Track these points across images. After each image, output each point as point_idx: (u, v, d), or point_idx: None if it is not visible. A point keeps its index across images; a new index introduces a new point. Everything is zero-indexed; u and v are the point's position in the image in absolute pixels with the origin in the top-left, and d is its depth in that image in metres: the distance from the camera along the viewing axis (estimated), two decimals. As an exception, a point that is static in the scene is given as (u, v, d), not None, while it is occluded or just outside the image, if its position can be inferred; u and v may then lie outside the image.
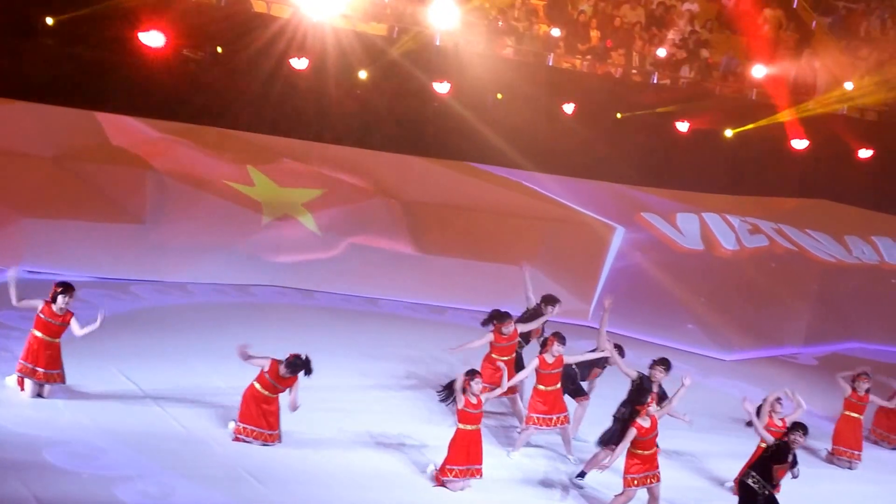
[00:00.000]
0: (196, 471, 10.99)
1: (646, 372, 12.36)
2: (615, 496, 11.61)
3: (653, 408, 11.36)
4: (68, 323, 12.10)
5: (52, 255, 16.48)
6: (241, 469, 11.16)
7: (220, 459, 11.35)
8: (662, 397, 12.05)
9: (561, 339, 12.74)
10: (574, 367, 13.08)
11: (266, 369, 11.81)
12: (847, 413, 14.61)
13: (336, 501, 10.98)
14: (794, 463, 11.12)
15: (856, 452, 14.51)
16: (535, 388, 12.77)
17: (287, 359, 11.79)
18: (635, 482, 11.40)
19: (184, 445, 11.52)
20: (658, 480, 11.52)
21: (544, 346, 12.79)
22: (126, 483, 10.49)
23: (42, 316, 12.04)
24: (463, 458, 11.53)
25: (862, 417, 14.63)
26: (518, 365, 13.45)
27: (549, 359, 12.64)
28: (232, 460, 11.34)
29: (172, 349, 14.23)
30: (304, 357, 11.79)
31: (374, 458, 12.06)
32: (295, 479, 11.24)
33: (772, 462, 11.07)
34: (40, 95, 17.09)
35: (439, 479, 11.58)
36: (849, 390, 14.63)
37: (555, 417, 12.70)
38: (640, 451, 11.34)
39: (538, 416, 12.67)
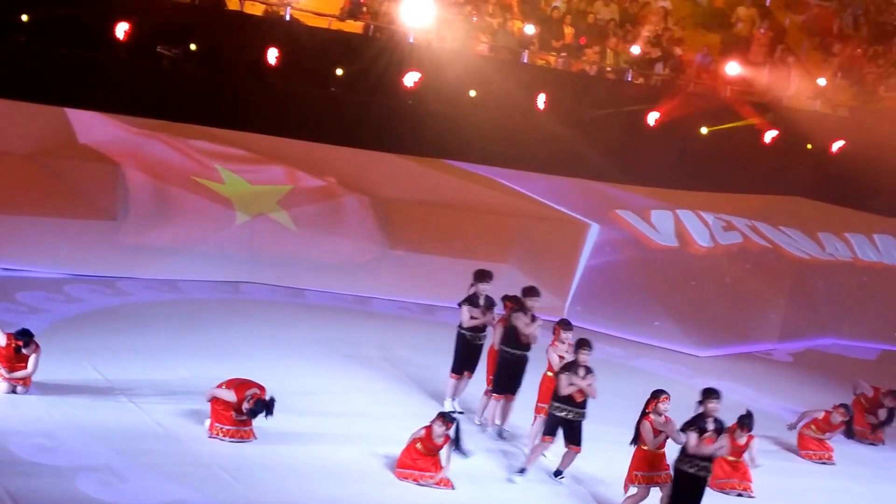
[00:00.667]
0: (171, 467, 11.00)
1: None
2: (626, 498, 11.57)
3: (664, 405, 11.36)
4: (30, 355, 12.04)
5: (24, 251, 16.37)
6: (216, 466, 11.18)
7: (195, 456, 11.37)
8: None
9: (566, 325, 12.84)
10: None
11: (234, 402, 11.78)
12: (811, 427, 14.65)
13: (310, 497, 11.02)
14: (720, 429, 10.97)
15: (825, 453, 14.62)
16: (544, 376, 12.80)
17: (250, 406, 11.72)
18: (638, 479, 11.38)
19: (158, 442, 11.54)
20: (665, 481, 11.39)
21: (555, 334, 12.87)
22: (100, 480, 10.48)
23: (2, 354, 12.00)
24: (410, 464, 11.60)
25: (824, 437, 14.67)
26: (472, 356, 13.47)
27: (561, 347, 12.72)
28: (206, 457, 11.36)
29: (146, 346, 14.20)
30: (267, 399, 11.76)
31: (347, 454, 12.07)
32: (269, 475, 11.26)
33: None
34: (13, 92, 16.94)
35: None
36: (821, 414, 14.64)
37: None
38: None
39: (542, 404, 12.72)
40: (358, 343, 15.92)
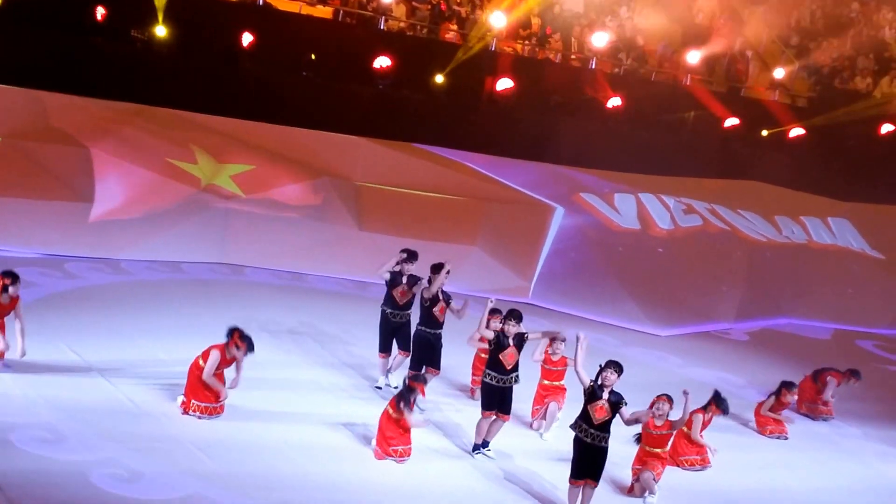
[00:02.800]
0: (143, 443, 11.12)
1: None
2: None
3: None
4: (15, 306, 12.18)
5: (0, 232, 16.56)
6: (189, 443, 11.32)
7: (167, 432, 11.51)
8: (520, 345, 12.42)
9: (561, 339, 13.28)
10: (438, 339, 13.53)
11: (218, 360, 11.99)
12: (769, 411, 15.02)
13: (281, 473, 11.19)
14: (615, 400, 11.14)
15: (781, 427, 14.98)
16: (539, 384, 13.49)
17: (241, 346, 11.95)
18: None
19: (133, 420, 11.66)
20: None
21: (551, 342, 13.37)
22: (76, 457, 10.60)
23: None
24: (386, 439, 11.83)
25: (780, 417, 15.04)
26: (397, 334, 13.79)
27: (553, 357, 13.39)
28: (179, 433, 11.51)
29: (120, 325, 14.32)
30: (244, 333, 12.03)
31: (318, 432, 12.27)
32: (242, 452, 11.42)
33: (586, 403, 11.23)
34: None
35: (379, 454, 11.92)
36: (773, 400, 14.94)
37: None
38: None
39: (536, 407, 13.47)
40: (330, 322, 16.14)
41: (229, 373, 12.20)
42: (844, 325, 21.54)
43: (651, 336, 18.88)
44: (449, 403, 13.89)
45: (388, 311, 13.79)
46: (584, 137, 21.48)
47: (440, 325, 13.56)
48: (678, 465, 13.10)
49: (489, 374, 12.36)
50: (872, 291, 22.27)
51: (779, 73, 23.53)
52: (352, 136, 19.53)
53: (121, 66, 18.25)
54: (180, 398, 12.12)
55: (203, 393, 11.99)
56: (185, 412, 11.98)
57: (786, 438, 14.93)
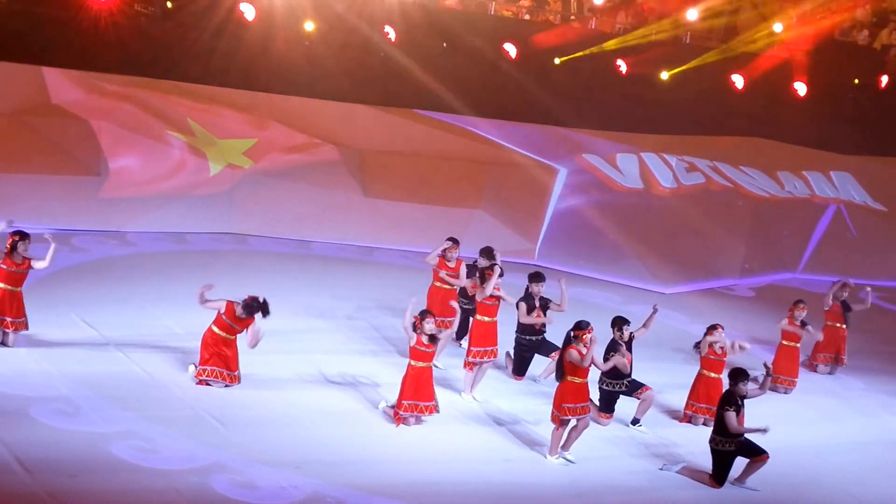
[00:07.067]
0: (159, 414, 11.29)
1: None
2: (553, 432, 11.75)
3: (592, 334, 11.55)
4: (28, 269, 12.28)
5: (8, 208, 16.50)
6: (203, 411, 11.48)
7: (183, 402, 11.67)
8: (545, 306, 12.90)
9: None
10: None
11: (223, 311, 12.07)
12: (784, 343, 15.06)
13: (294, 439, 11.35)
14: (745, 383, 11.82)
15: (792, 380, 15.07)
16: (474, 320, 13.09)
17: (244, 301, 12.04)
18: (568, 412, 11.56)
19: (147, 390, 11.82)
20: (587, 413, 11.73)
21: (483, 279, 13.02)
22: (93, 429, 10.76)
23: (4, 267, 12.17)
24: (412, 394, 11.82)
25: (799, 345, 15.10)
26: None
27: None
28: (193, 403, 11.67)
29: (131, 297, 14.48)
30: (261, 299, 12.05)
31: (329, 397, 12.44)
32: (254, 419, 11.58)
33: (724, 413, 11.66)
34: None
35: (398, 417, 11.92)
36: (786, 321, 15.08)
37: (491, 350, 13.05)
38: (577, 380, 11.60)
39: (477, 349, 12.96)
40: (337, 288, 16.28)
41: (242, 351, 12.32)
42: (848, 279, 21.56)
43: (656, 294, 18.84)
44: (455, 366, 13.94)
45: (522, 337, 13.62)
46: (586, 98, 21.49)
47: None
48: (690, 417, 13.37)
49: (520, 338, 12.72)
50: (875, 244, 22.34)
51: (778, 27, 23.48)
52: (354, 104, 19.60)
53: (125, 40, 18.30)
54: (192, 367, 12.26)
55: (216, 361, 12.11)
56: (200, 382, 12.12)
57: (786, 392, 15.00)
